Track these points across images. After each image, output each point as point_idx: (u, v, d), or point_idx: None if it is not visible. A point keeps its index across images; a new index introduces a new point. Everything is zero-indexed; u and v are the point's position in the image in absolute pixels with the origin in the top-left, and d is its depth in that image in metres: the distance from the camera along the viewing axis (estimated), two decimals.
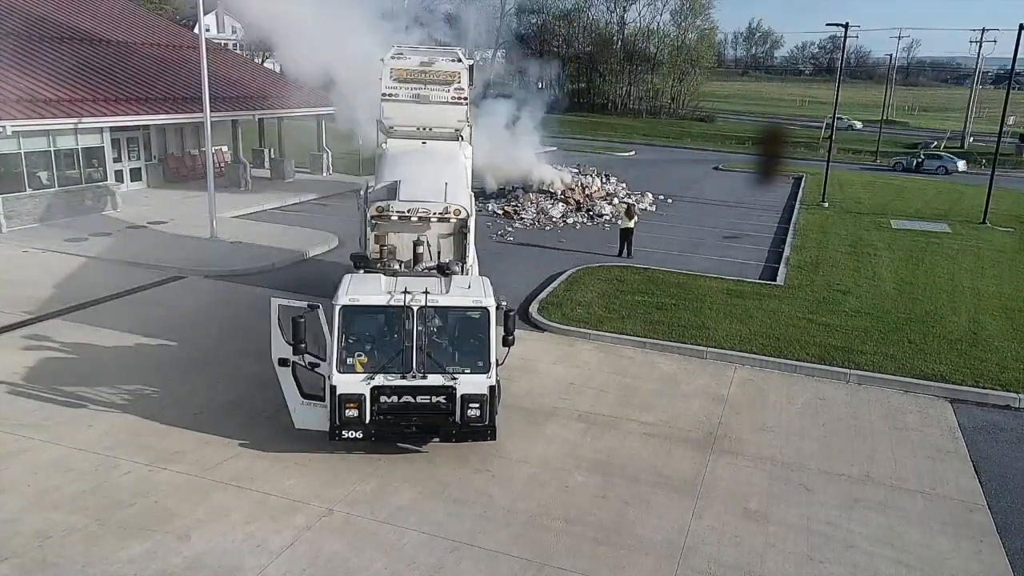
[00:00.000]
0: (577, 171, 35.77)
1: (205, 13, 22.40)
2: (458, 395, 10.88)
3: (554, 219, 29.40)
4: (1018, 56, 30.49)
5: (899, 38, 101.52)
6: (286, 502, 10.27)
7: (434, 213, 13.15)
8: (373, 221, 13.23)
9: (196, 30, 22.80)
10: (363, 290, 11.11)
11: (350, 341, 10.95)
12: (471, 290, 11.38)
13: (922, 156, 55.42)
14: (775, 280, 22.06)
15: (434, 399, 10.87)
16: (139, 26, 35.67)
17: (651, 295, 19.67)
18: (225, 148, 33.70)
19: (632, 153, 58.17)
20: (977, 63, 78.38)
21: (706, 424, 13.21)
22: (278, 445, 11.58)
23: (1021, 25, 31.31)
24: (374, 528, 9.87)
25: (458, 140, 17.05)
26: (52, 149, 24.69)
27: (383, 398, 10.78)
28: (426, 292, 10.93)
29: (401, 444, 11.58)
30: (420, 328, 10.87)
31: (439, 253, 13.38)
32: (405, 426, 11.06)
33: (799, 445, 12.65)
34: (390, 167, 15.25)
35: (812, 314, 18.81)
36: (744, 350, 16.27)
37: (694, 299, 19.45)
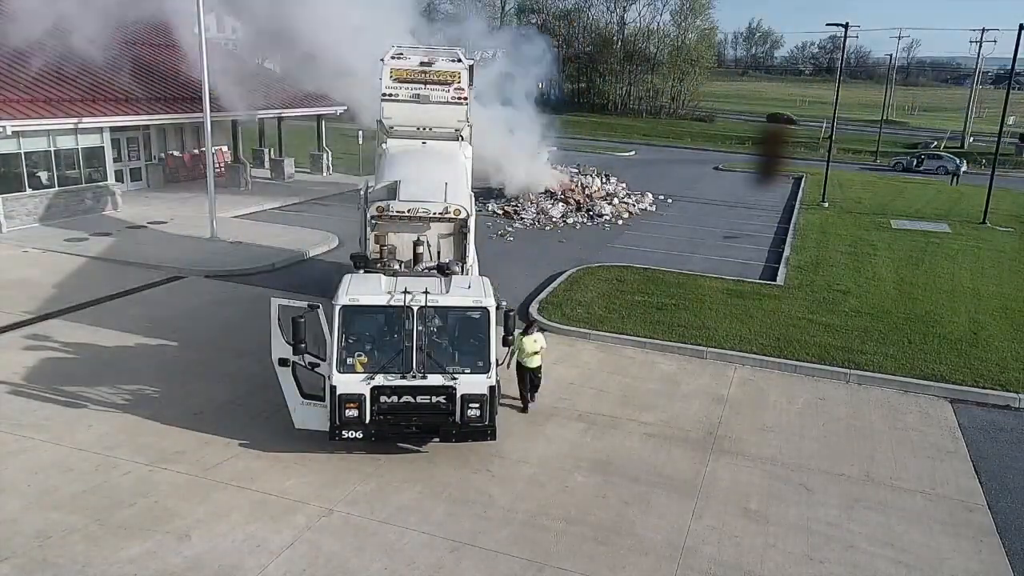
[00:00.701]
0: (577, 171, 35.78)
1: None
2: (458, 395, 10.88)
3: (554, 219, 29.40)
4: (1018, 56, 30.49)
5: (899, 38, 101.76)
6: (286, 502, 10.27)
7: (434, 213, 13.15)
8: (373, 221, 13.23)
9: (196, 30, 22.73)
10: (363, 290, 11.12)
11: (350, 341, 10.96)
12: (471, 290, 11.38)
13: (922, 156, 55.47)
14: (775, 280, 22.06)
15: (434, 399, 10.87)
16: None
17: (651, 295, 19.67)
18: (225, 148, 33.71)
19: (632, 153, 58.18)
20: (977, 63, 78.41)
21: (706, 424, 13.21)
22: (278, 445, 11.59)
23: (1021, 25, 31.31)
24: (374, 528, 9.87)
25: (458, 140, 17.06)
26: (52, 149, 24.70)
27: (383, 398, 10.78)
28: (426, 292, 10.93)
29: (401, 444, 11.58)
30: (420, 328, 10.87)
31: (439, 253, 13.38)
32: (405, 426, 11.06)
33: (799, 445, 12.65)
34: (390, 167, 15.26)
35: (812, 314, 18.81)
36: (744, 350, 16.27)
37: (694, 299, 19.45)
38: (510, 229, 27.73)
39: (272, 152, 37.16)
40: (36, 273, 19.52)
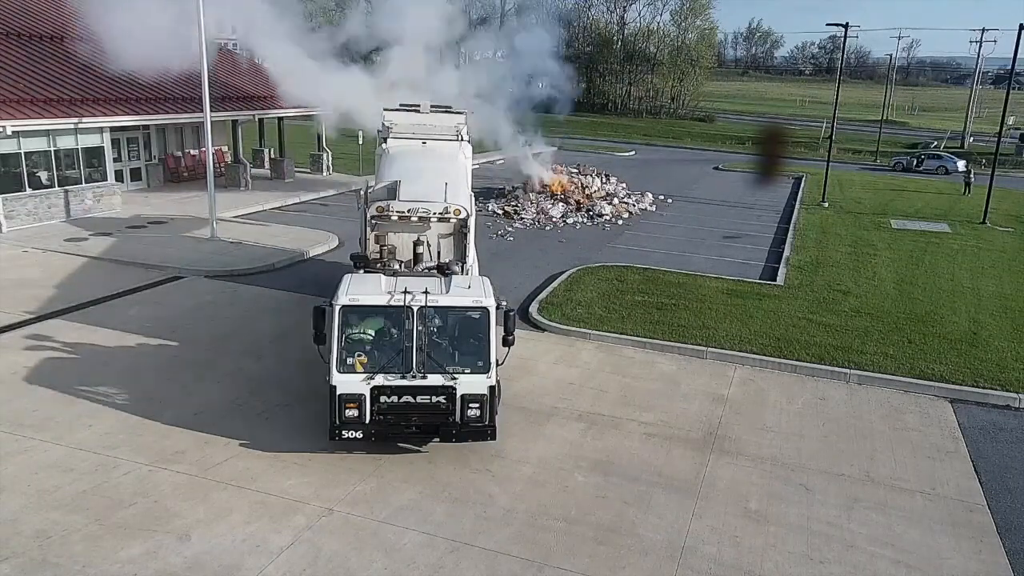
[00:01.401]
0: (577, 171, 35.78)
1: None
2: (458, 395, 10.87)
3: (554, 219, 29.40)
4: (1018, 56, 30.50)
5: (899, 38, 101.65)
6: (286, 502, 10.26)
7: (434, 213, 13.15)
8: (373, 221, 13.22)
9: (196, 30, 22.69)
10: (363, 290, 11.11)
11: (350, 341, 10.96)
12: (471, 290, 11.37)
13: (922, 156, 55.49)
14: (775, 280, 22.06)
15: (434, 399, 10.87)
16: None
17: (651, 295, 19.66)
18: (225, 148, 33.69)
19: (632, 153, 58.19)
20: (977, 63, 78.46)
21: (706, 424, 13.21)
22: (278, 445, 11.59)
23: (1021, 25, 31.32)
24: (374, 528, 9.86)
25: (458, 140, 17.07)
26: (52, 149, 24.68)
27: (383, 398, 10.78)
28: (426, 292, 10.92)
29: (401, 444, 11.57)
30: (420, 328, 10.87)
31: (439, 253, 13.37)
32: (405, 426, 11.05)
33: (799, 445, 12.65)
34: (390, 167, 15.27)
35: (812, 314, 18.81)
36: (744, 350, 16.27)
37: (694, 299, 19.45)
38: (510, 229, 27.72)
39: (272, 152, 37.16)
40: (36, 273, 19.52)
